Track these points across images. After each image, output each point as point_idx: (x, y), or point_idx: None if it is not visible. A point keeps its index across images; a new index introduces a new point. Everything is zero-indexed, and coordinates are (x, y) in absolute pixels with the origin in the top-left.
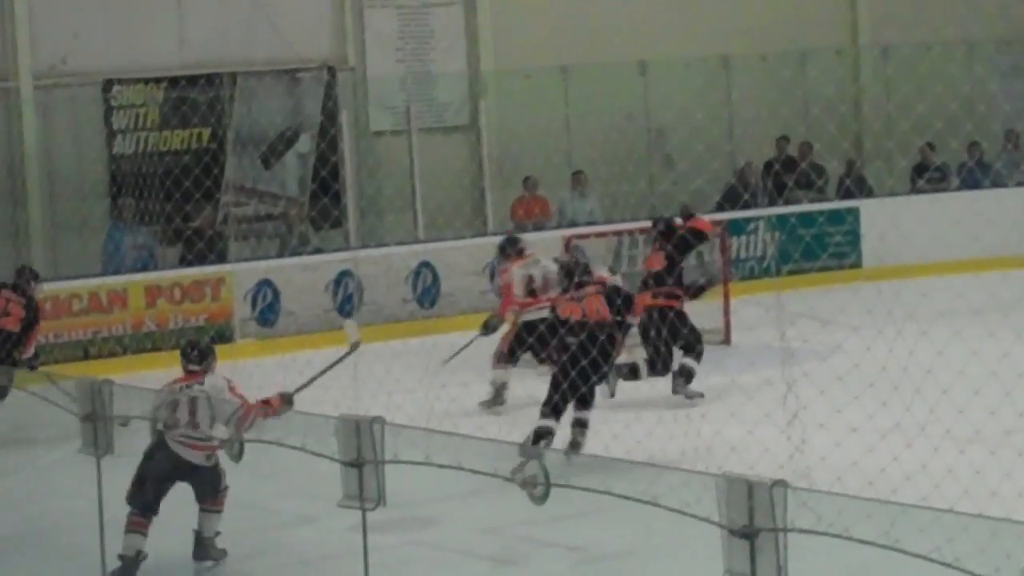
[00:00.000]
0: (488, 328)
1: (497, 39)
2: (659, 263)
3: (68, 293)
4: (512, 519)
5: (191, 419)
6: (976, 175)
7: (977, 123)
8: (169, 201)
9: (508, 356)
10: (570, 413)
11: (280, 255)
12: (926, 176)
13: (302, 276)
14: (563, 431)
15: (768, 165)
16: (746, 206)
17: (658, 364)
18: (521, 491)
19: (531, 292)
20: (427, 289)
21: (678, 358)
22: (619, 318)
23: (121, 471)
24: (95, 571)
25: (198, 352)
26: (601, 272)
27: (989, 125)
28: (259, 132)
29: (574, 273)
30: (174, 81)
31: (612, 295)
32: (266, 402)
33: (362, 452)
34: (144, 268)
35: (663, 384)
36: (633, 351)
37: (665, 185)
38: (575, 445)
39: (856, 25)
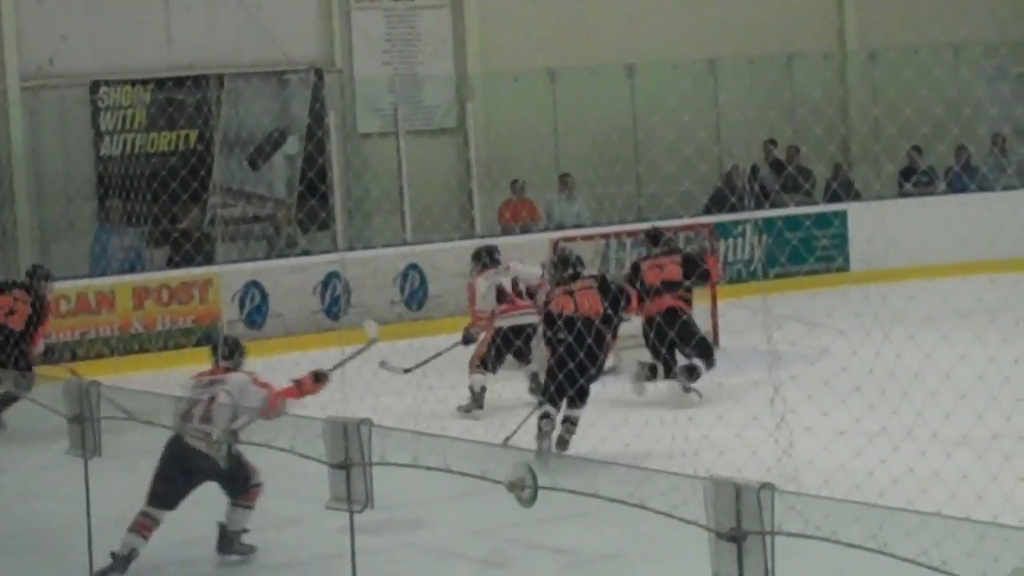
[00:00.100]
0: (467, 339)
1: (484, 42)
2: (676, 272)
3: (55, 294)
4: (500, 521)
5: (206, 413)
6: (963, 179)
7: (964, 127)
8: (156, 203)
9: (483, 361)
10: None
11: (268, 257)
12: (913, 180)
13: (290, 278)
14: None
15: (755, 168)
16: (733, 209)
17: (659, 367)
18: (509, 493)
19: (506, 298)
20: (415, 291)
21: (686, 359)
22: (611, 312)
23: (109, 473)
24: (83, 573)
25: (228, 347)
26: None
27: (976, 129)
28: (246, 134)
29: (567, 266)
30: (161, 82)
31: (604, 288)
32: (297, 383)
33: (350, 454)
34: (131, 270)
35: (650, 387)
36: (622, 354)
37: (653, 188)
38: (562, 442)
39: (843, 29)
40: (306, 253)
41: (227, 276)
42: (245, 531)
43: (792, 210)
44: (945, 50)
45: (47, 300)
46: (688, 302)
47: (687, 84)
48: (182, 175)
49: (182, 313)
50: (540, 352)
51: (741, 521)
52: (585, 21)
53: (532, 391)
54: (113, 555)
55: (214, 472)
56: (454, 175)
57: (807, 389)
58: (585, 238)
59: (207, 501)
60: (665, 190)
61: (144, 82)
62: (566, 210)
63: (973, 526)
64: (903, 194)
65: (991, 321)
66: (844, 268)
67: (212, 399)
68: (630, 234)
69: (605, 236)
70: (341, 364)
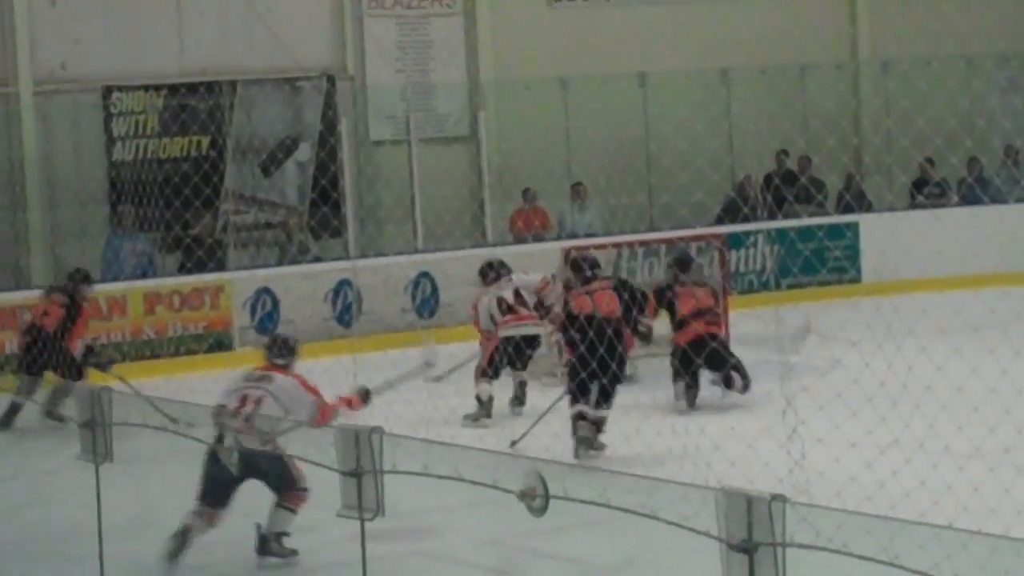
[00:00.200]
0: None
1: (497, 50)
2: (709, 298)
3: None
4: (511, 530)
5: (254, 411)
6: (975, 191)
7: (976, 139)
8: (168, 208)
9: (488, 370)
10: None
11: (279, 264)
12: (925, 191)
13: (301, 285)
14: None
15: (767, 179)
16: (745, 219)
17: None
18: (520, 502)
19: (511, 309)
20: (426, 299)
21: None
22: (628, 312)
23: (120, 478)
24: None
25: (285, 347)
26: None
27: (988, 141)
28: (259, 140)
29: (583, 268)
30: (174, 88)
31: (621, 288)
32: (347, 400)
33: (361, 462)
34: (143, 275)
35: (665, 397)
36: (637, 363)
37: (665, 198)
38: (583, 441)
39: (856, 40)
40: (318, 260)
41: (239, 282)
42: (286, 534)
43: (804, 221)
44: (958, 61)
45: (84, 303)
46: (719, 324)
47: (699, 94)
48: (194, 181)
49: (193, 319)
50: (551, 357)
51: (752, 532)
52: (598, 30)
53: (514, 400)
54: (172, 536)
55: (258, 470)
56: (466, 183)
57: (819, 401)
58: (597, 247)
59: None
60: (677, 200)
61: (157, 88)
62: (578, 219)
63: (985, 539)
64: (915, 206)
65: (1003, 334)
66: (856, 280)
67: (258, 401)
68: (642, 244)
69: (617, 246)
70: (391, 386)
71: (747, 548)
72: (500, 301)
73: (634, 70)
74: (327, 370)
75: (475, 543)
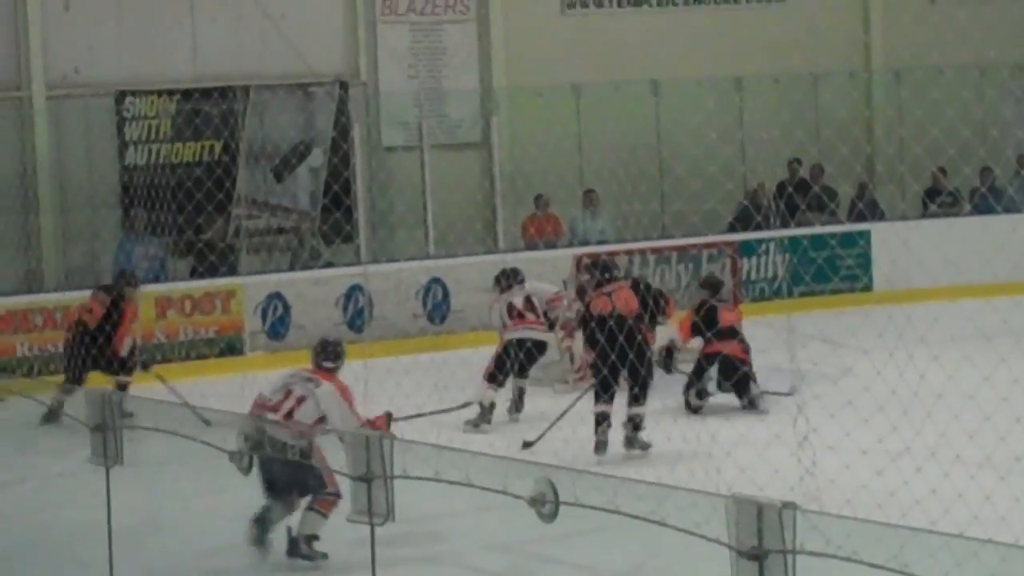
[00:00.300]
0: None
1: (510, 56)
2: (736, 317)
3: (79, 303)
4: (521, 536)
5: (295, 408)
6: (988, 200)
7: (990, 148)
8: (181, 213)
9: (492, 376)
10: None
11: (291, 269)
12: (938, 200)
13: (313, 290)
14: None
15: (780, 187)
16: (758, 227)
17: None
18: (530, 508)
19: (515, 314)
20: (437, 305)
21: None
22: (646, 309)
23: (130, 482)
24: None
25: (333, 351)
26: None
27: (1002, 150)
28: (271, 146)
29: (603, 270)
30: (187, 93)
31: (639, 287)
32: (372, 423)
33: (371, 467)
34: (155, 279)
35: (673, 404)
36: None
37: (677, 205)
38: (630, 441)
39: (869, 48)
40: (329, 265)
41: (250, 287)
42: (316, 538)
43: (817, 229)
44: (971, 71)
45: (129, 303)
46: (747, 351)
47: (712, 102)
48: (207, 186)
49: (205, 324)
50: (563, 364)
51: (763, 539)
52: (610, 37)
53: (512, 407)
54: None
55: (291, 465)
56: (478, 189)
57: (830, 408)
58: (609, 254)
59: (229, 512)
60: (689, 207)
61: (170, 92)
62: (590, 226)
63: (996, 548)
64: (928, 215)
65: (1016, 343)
66: (868, 288)
67: (300, 400)
68: (654, 251)
69: (629, 252)
70: (433, 413)
71: (757, 555)
72: (510, 307)
73: (647, 77)
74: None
75: (485, 548)
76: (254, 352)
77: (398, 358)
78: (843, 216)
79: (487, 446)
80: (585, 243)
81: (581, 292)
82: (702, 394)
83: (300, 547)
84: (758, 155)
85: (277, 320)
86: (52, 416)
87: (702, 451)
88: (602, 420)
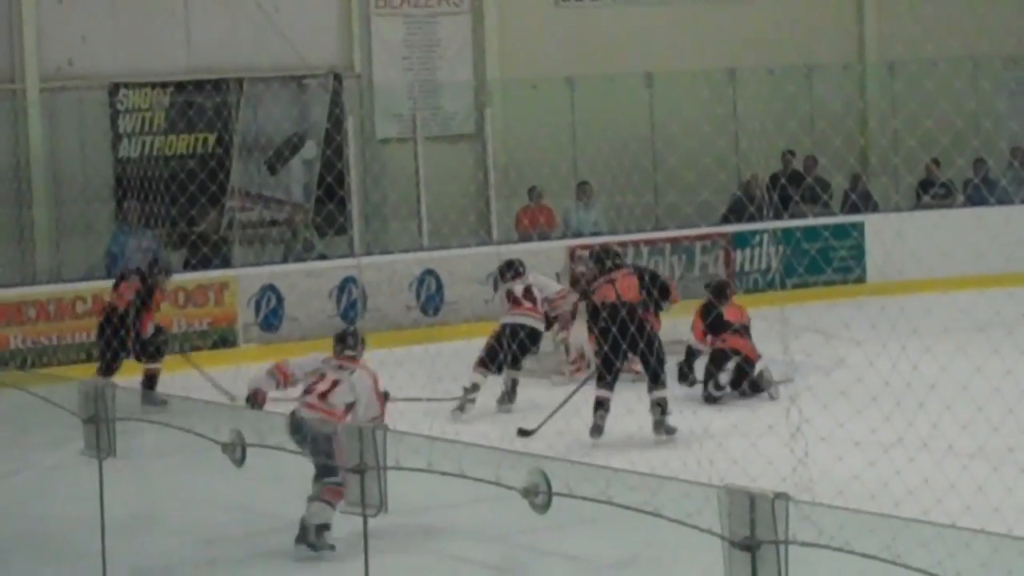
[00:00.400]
0: None
1: (504, 49)
2: (744, 315)
3: (72, 295)
4: (514, 527)
5: (329, 390)
6: (981, 192)
7: (983, 140)
8: (174, 205)
9: (484, 361)
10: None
11: (284, 261)
12: (931, 192)
13: (306, 282)
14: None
15: (773, 178)
16: (751, 219)
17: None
18: (523, 499)
19: (513, 300)
20: (431, 297)
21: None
22: (650, 296)
23: (123, 474)
24: (96, 574)
25: (355, 339)
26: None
27: (995, 142)
28: (265, 138)
29: (605, 260)
30: (181, 85)
31: (642, 275)
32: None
33: (364, 458)
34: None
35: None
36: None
37: (671, 197)
38: (658, 425)
39: (863, 40)
40: (323, 257)
41: (243, 279)
42: (326, 527)
43: (810, 221)
44: (965, 63)
45: (159, 290)
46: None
47: (706, 94)
48: (200, 178)
49: (198, 316)
50: (558, 355)
51: (755, 530)
52: (604, 30)
53: (503, 398)
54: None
55: (313, 449)
56: (472, 181)
57: (823, 399)
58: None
59: (223, 504)
60: (683, 199)
61: (163, 85)
62: (583, 218)
63: (988, 538)
64: (921, 206)
65: (1008, 334)
66: (861, 279)
67: (335, 383)
68: (647, 243)
69: (622, 244)
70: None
71: (750, 546)
72: (509, 293)
73: (640, 69)
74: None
75: (478, 540)
76: (247, 344)
77: (392, 350)
78: (836, 208)
79: (480, 437)
80: (578, 235)
81: (575, 282)
82: (719, 386)
83: (309, 535)
84: (752, 147)
85: (270, 312)
86: None
87: (695, 442)
88: (600, 405)
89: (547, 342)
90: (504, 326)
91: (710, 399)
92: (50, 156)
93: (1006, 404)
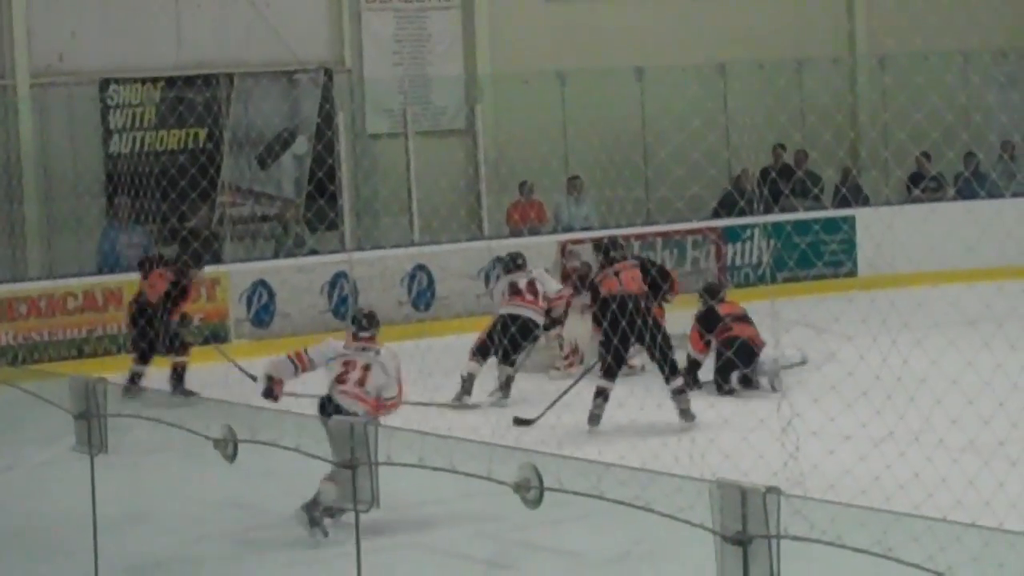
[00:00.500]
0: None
1: (494, 43)
2: (739, 308)
3: (63, 291)
4: (505, 523)
5: (363, 376)
6: (972, 185)
7: (973, 133)
8: (165, 201)
9: (479, 350)
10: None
11: (275, 256)
12: (922, 186)
13: (297, 277)
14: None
15: (764, 172)
16: (742, 213)
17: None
18: (514, 494)
19: (514, 292)
20: (422, 292)
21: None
22: (654, 288)
23: (115, 470)
24: (87, 571)
25: (371, 320)
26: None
27: (985, 135)
28: (256, 133)
29: (612, 248)
30: (171, 81)
31: (646, 267)
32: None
33: (356, 454)
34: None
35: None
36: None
37: (662, 191)
38: (684, 414)
39: (853, 34)
40: (314, 253)
41: (235, 275)
42: (329, 512)
43: (801, 215)
44: (955, 56)
45: (193, 284)
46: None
47: (697, 88)
48: (191, 173)
49: (190, 311)
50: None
51: (747, 525)
52: (595, 24)
53: (496, 393)
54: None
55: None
56: (463, 176)
57: (814, 394)
58: (593, 240)
59: (215, 500)
60: (674, 193)
61: (154, 80)
62: (574, 212)
63: (979, 532)
64: (912, 200)
65: (999, 328)
66: (852, 273)
67: (367, 368)
68: (638, 237)
69: (594, 241)
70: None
71: (741, 540)
72: (512, 285)
73: (631, 64)
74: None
75: (469, 535)
76: (239, 340)
77: (383, 345)
78: (827, 201)
79: (471, 432)
80: (569, 229)
81: (566, 278)
82: (746, 380)
83: (316, 510)
84: (742, 141)
85: (262, 308)
86: (132, 386)
87: (686, 437)
88: (600, 394)
89: (540, 337)
90: (499, 316)
91: (724, 390)
92: (41, 152)
93: (996, 398)
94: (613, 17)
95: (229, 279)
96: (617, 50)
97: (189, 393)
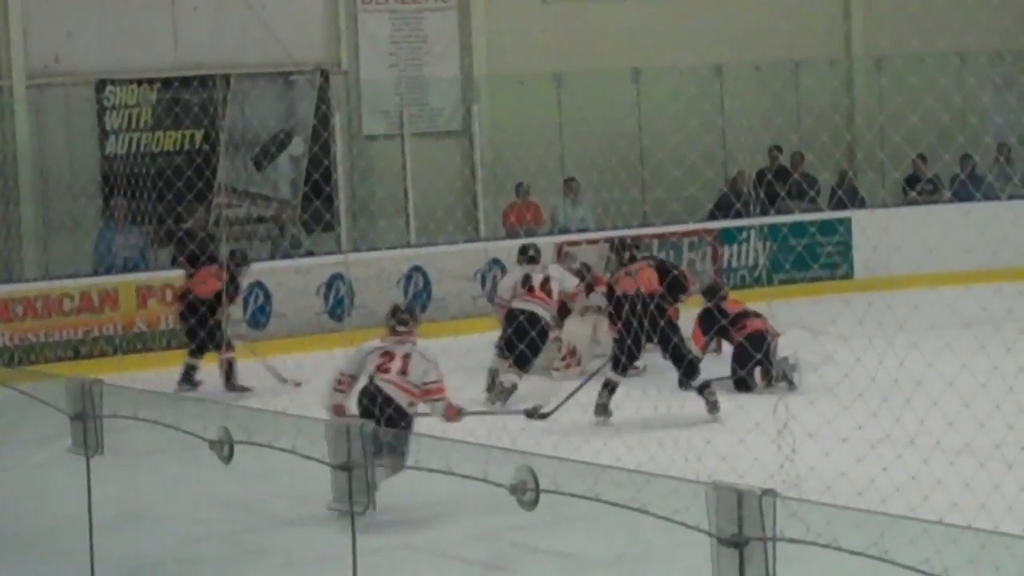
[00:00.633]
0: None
1: (491, 45)
2: (737, 304)
3: (59, 292)
4: (501, 525)
5: (404, 365)
6: (968, 187)
7: (969, 135)
8: (161, 202)
9: (501, 347)
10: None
11: (272, 257)
12: (918, 188)
13: (293, 279)
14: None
15: (760, 175)
16: (738, 215)
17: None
18: (510, 496)
19: (528, 286)
20: (418, 293)
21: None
22: (670, 288)
23: (111, 471)
24: (83, 572)
25: (409, 314)
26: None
27: (981, 137)
28: (252, 134)
29: (623, 252)
30: (167, 82)
31: (662, 267)
32: (451, 406)
33: (352, 455)
34: (135, 268)
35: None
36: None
37: (658, 193)
38: (712, 406)
39: (849, 36)
40: (310, 254)
41: None
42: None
43: (797, 217)
44: (951, 58)
45: (239, 281)
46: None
47: (693, 90)
48: (187, 175)
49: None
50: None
51: (743, 527)
52: (591, 25)
53: (496, 392)
54: None
55: (388, 421)
56: (459, 178)
57: (810, 396)
58: (590, 242)
59: (211, 501)
60: (670, 195)
61: (150, 81)
62: (570, 214)
63: (975, 534)
64: (908, 202)
65: (995, 330)
66: (848, 275)
67: (407, 357)
68: (634, 239)
69: (609, 240)
70: (483, 412)
71: (737, 543)
72: (527, 278)
73: (627, 65)
74: (319, 364)
75: (465, 537)
76: (235, 341)
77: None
78: (823, 204)
79: (467, 434)
80: (566, 231)
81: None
82: (770, 375)
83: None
84: (738, 143)
85: (258, 309)
86: (186, 384)
87: (682, 438)
88: (607, 386)
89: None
90: (516, 312)
91: (743, 387)
92: (37, 153)
93: (993, 400)
94: (609, 19)
95: None
96: (613, 52)
97: (243, 389)
